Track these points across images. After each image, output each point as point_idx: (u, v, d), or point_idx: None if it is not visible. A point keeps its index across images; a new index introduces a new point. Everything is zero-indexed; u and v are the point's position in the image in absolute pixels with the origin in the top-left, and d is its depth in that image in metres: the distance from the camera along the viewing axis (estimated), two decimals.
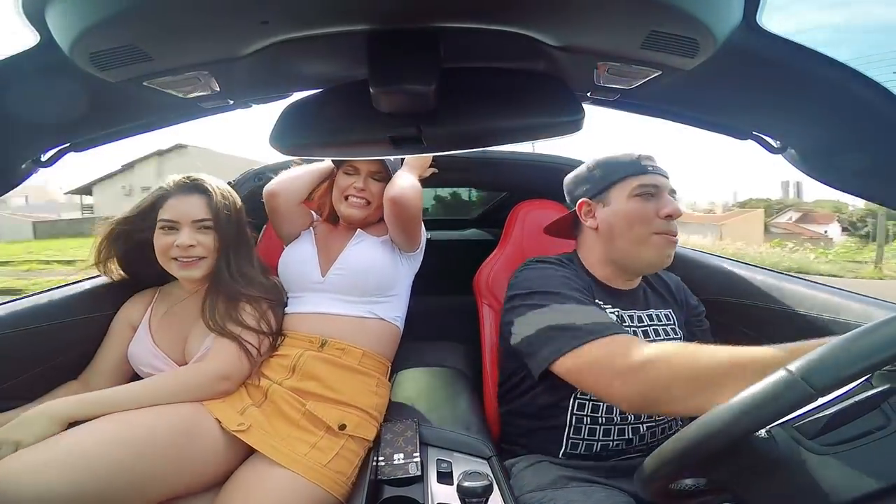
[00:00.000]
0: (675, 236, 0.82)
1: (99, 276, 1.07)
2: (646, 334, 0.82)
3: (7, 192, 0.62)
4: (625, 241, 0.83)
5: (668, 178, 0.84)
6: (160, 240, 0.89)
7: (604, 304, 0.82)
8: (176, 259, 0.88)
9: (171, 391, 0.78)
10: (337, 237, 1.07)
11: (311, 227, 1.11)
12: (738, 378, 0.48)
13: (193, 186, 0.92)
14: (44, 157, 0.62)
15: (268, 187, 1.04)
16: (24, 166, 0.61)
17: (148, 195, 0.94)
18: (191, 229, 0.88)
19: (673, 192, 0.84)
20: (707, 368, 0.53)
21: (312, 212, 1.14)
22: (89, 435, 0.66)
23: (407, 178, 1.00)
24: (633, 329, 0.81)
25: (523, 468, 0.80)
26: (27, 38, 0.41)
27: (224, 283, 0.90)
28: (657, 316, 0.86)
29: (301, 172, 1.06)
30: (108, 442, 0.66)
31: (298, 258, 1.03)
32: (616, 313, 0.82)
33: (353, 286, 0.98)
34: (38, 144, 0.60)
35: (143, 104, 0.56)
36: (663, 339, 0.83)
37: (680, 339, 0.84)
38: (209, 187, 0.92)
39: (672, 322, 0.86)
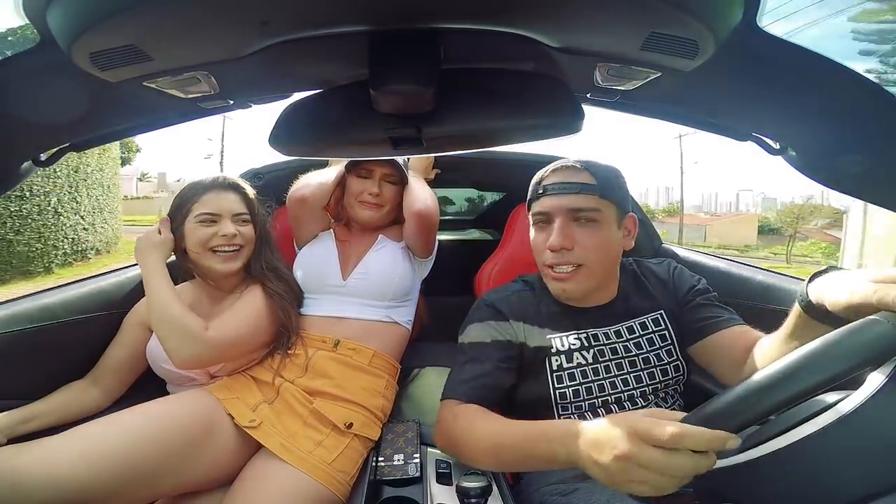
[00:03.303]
0: (561, 270, 0.75)
1: (102, 274, 1.07)
2: (626, 349, 0.77)
3: (6, 191, 0.62)
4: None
5: (575, 192, 0.73)
6: (198, 232, 0.90)
7: (565, 331, 0.78)
8: (215, 251, 0.90)
9: (170, 311, 0.81)
10: (356, 241, 1.07)
11: (331, 230, 1.11)
12: (539, 447, 0.57)
13: (229, 185, 0.96)
14: (43, 157, 0.62)
15: (295, 193, 1.03)
16: (24, 166, 0.61)
17: (178, 194, 0.97)
18: (232, 221, 0.92)
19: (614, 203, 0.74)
20: (497, 446, 0.63)
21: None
22: (111, 427, 0.68)
23: (424, 188, 1.02)
24: (604, 347, 0.77)
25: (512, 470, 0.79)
26: (27, 38, 0.41)
27: (258, 276, 0.95)
28: (640, 326, 0.79)
29: (325, 178, 1.05)
30: (129, 435, 0.68)
31: (319, 260, 1.03)
32: (581, 335, 0.77)
33: (374, 291, 0.99)
34: (38, 144, 0.60)
35: (143, 104, 0.56)
36: (646, 352, 0.77)
37: (670, 344, 0.78)
38: (243, 187, 0.97)
39: (662, 326, 0.79)
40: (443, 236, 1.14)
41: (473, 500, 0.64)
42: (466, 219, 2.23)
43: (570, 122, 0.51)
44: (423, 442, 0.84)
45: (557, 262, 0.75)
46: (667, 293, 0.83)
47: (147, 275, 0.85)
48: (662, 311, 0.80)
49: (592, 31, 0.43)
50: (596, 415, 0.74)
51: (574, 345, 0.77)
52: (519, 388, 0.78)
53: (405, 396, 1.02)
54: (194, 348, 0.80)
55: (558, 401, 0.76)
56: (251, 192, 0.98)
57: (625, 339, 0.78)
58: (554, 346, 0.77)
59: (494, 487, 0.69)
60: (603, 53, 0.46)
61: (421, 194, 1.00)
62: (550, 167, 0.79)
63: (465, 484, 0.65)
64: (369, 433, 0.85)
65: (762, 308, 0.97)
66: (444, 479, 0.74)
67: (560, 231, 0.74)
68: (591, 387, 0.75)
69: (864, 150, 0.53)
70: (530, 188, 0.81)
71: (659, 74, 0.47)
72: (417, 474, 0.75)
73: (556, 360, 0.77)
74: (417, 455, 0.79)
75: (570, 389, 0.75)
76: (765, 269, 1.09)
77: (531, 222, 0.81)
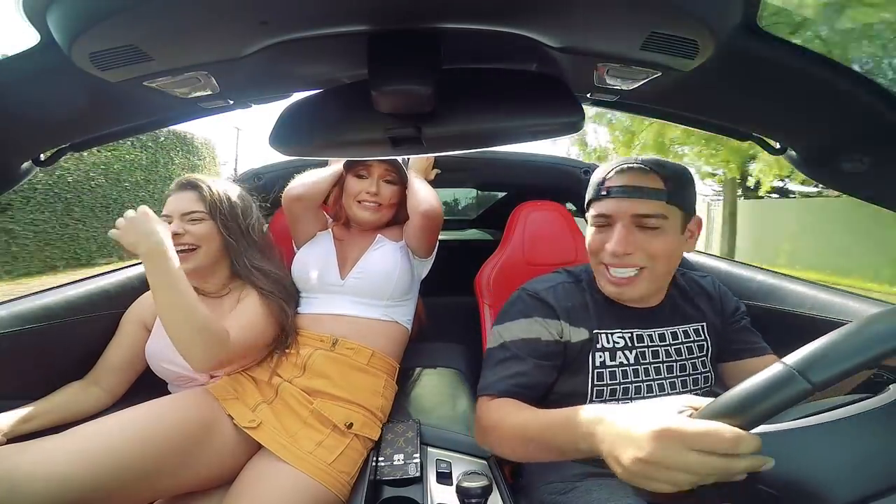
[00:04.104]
0: (619, 274, 0.72)
1: (102, 274, 1.07)
2: (667, 354, 0.76)
3: (6, 191, 0.62)
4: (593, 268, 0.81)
5: (641, 197, 0.69)
6: None
7: (611, 328, 0.76)
8: None
9: (193, 312, 0.74)
10: (354, 240, 1.07)
11: (329, 229, 1.11)
12: (548, 440, 0.58)
13: (186, 184, 0.94)
14: (43, 157, 0.62)
15: (290, 192, 1.03)
16: (24, 166, 0.61)
17: None
18: (180, 220, 0.90)
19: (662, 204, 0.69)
20: (524, 437, 0.63)
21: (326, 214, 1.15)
22: (109, 426, 0.68)
23: (428, 189, 1.02)
24: (646, 350, 0.76)
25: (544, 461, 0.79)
26: (28, 38, 0.41)
27: (245, 275, 0.94)
28: (682, 333, 0.78)
29: (320, 176, 1.05)
30: (127, 434, 0.68)
31: (317, 259, 1.03)
32: (626, 334, 0.76)
33: (373, 290, 0.99)
34: (38, 144, 0.60)
35: (143, 104, 0.56)
36: (684, 359, 0.77)
37: (704, 356, 0.78)
38: (201, 184, 0.94)
39: (702, 337, 0.79)
40: (443, 236, 1.13)
41: (473, 500, 0.64)
42: (466, 219, 2.23)
43: (570, 122, 0.51)
44: (424, 442, 0.84)
45: (615, 265, 0.72)
46: (712, 308, 0.82)
47: (165, 275, 0.74)
48: (705, 324, 0.80)
49: (592, 30, 0.43)
50: None
51: (618, 343, 0.76)
52: (557, 380, 0.76)
53: (405, 396, 1.02)
54: (220, 354, 0.78)
55: (594, 398, 0.74)
56: (217, 189, 0.94)
57: (667, 343, 0.77)
58: (599, 341, 0.76)
59: (494, 487, 0.69)
60: (603, 53, 0.46)
61: (426, 195, 1.00)
62: (615, 167, 0.73)
63: (465, 484, 0.65)
64: (369, 433, 0.85)
65: (762, 308, 0.97)
66: (444, 479, 0.74)
67: (621, 237, 0.70)
68: (628, 388, 0.74)
69: (864, 150, 0.53)
70: (590, 187, 0.77)
71: (659, 74, 0.47)
72: (417, 474, 0.75)
73: (600, 357, 0.75)
74: (417, 455, 0.79)
75: (609, 388, 0.74)
76: (765, 270, 1.09)
77: (589, 221, 0.78)
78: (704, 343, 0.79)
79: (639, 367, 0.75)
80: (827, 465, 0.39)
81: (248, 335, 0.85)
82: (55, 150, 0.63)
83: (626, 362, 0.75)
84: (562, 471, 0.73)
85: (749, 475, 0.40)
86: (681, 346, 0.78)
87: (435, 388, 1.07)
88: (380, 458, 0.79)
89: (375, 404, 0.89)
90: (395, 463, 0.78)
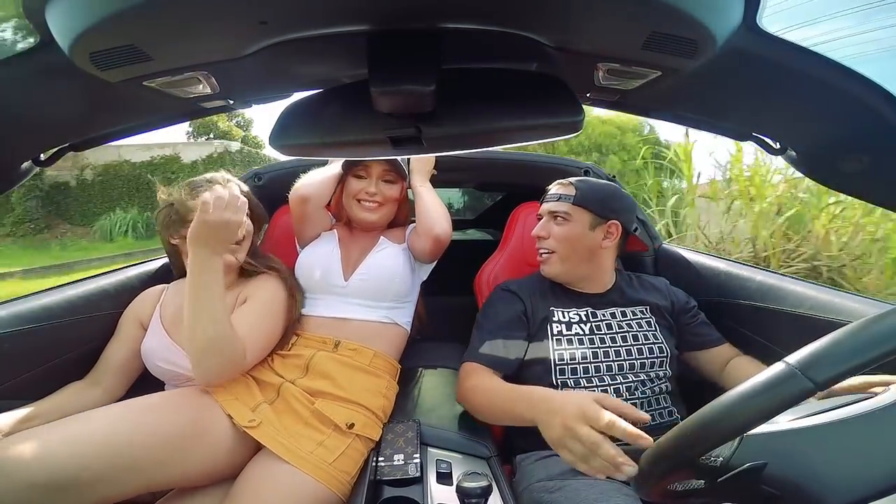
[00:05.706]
0: (541, 255, 0.98)
1: (102, 274, 1.07)
2: (619, 327, 0.93)
3: (6, 191, 0.62)
4: None
5: (555, 200, 0.96)
6: None
7: (567, 307, 0.95)
8: None
9: (220, 329, 0.76)
10: (357, 242, 1.08)
11: (334, 230, 1.11)
12: (516, 407, 0.73)
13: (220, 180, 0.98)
14: (43, 157, 0.62)
15: (296, 193, 1.03)
16: (24, 166, 0.61)
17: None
18: None
19: (561, 211, 0.95)
20: (492, 402, 0.80)
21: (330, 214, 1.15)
22: (98, 415, 0.70)
23: (439, 206, 1.03)
24: (600, 323, 0.93)
25: (534, 461, 0.82)
26: (27, 38, 0.41)
27: (260, 270, 0.98)
28: (630, 312, 0.96)
29: (326, 175, 1.05)
30: (113, 420, 0.69)
31: (322, 260, 1.03)
32: (581, 311, 0.95)
33: (375, 292, 0.99)
34: (38, 144, 0.60)
35: (143, 104, 0.56)
36: (636, 331, 0.92)
37: (654, 330, 0.93)
38: (234, 181, 0.99)
39: (647, 316, 0.96)
40: None
41: (473, 501, 0.64)
42: (466, 219, 2.24)
43: (570, 122, 0.51)
44: (424, 442, 0.84)
45: (539, 247, 0.99)
46: (660, 297, 1.00)
47: (199, 273, 0.75)
48: (649, 307, 0.97)
49: (593, 30, 0.43)
50: (590, 382, 0.86)
51: (574, 318, 0.93)
52: (527, 351, 0.92)
53: (406, 396, 1.02)
54: (233, 373, 0.81)
55: (557, 363, 0.87)
56: (244, 188, 0.99)
57: (618, 319, 0.94)
58: (556, 315, 0.94)
59: (494, 487, 0.69)
60: (603, 53, 0.46)
61: (439, 216, 1.01)
62: (555, 182, 1.02)
63: (466, 484, 0.65)
64: (370, 433, 0.86)
65: (761, 308, 0.97)
66: (444, 479, 0.74)
67: (540, 225, 0.99)
68: (586, 353, 0.88)
69: (863, 149, 0.53)
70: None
71: (659, 74, 0.47)
72: (418, 474, 0.75)
73: (557, 327, 0.92)
74: (417, 455, 0.79)
75: (568, 353, 0.88)
76: (765, 269, 1.09)
77: None
78: (651, 320, 0.95)
79: (594, 336, 0.91)
80: (828, 465, 0.39)
81: (263, 346, 0.87)
82: (55, 150, 0.63)
83: (582, 333, 0.91)
84: (549, 469, 0.76)
85: (751, 476, 0.40)
86: (631, 321, 0.94)
87: (435, 388, 1.07)
88: (380, 459, 0.79)
89: (377, 405, 0.89)
90: (395, 463, 0.78)
